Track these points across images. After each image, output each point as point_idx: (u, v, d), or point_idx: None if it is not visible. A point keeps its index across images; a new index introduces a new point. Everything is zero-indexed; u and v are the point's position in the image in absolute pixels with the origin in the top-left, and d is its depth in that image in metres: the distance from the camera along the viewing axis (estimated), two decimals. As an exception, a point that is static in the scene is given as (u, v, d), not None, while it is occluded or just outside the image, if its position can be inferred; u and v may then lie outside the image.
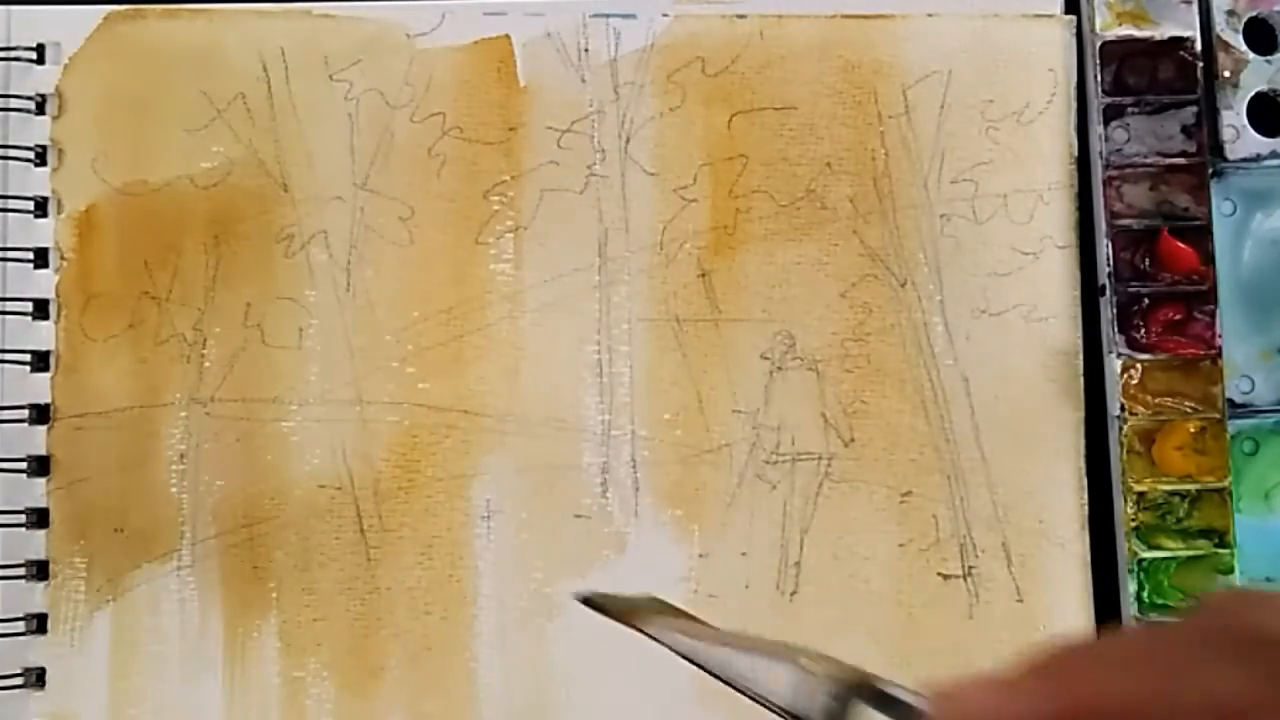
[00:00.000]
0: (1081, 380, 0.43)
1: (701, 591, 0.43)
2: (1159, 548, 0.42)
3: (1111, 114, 0.44)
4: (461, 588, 0.42)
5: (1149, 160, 0.43)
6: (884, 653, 0.42)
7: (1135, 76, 0.44)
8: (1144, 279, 0.43)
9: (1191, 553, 0.42)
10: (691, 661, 0.29)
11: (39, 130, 0.43)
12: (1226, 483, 0.42)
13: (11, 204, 0.43)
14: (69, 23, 0.44)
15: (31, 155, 0.43)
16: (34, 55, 0.43)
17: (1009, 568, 0.43)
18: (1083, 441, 0.43)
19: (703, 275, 0.43)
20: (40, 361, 0.43)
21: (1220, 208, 0.44)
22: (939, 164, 0.44)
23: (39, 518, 0.42)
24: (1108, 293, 0.43)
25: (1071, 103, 0.44)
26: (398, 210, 0.43)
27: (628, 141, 0.44)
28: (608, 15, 0.44)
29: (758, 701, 0.25)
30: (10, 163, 0.43)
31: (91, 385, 0.43)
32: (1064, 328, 0.43)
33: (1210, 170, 0.44)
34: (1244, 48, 0.44)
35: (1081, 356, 0.43)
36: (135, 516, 0.42)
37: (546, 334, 0.43)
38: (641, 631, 0.31)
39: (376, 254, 0.43)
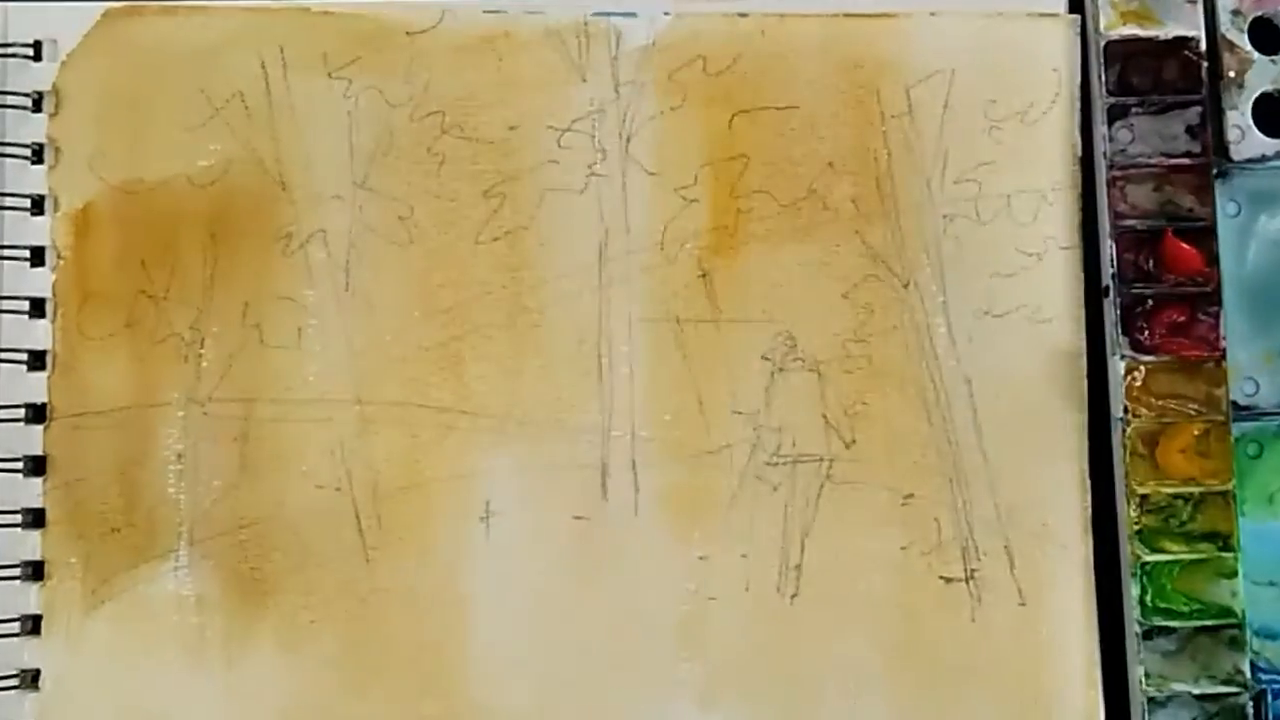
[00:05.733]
0: (1085, 382, 0.43)
1: (701, 593, 0.42)
2: (1162, 551, 0.42)
3: (1115, 114, 0.43)
4: (460, 588, 0.42)
5: (1153, 161, 0.43)
6: (885, 656, 0.42)
7: (1139, 76, 0.44)
8: (1148, 280, 0.43)
9: (1195, 556, 0.42)
10: None
11: (36, 128, 0.43)
12: (1230, 486, 0.42)
13: (8, 202, 0.43)
14: (66, 19, 0.43)
15: (28, 153, 0.43)
16: (31, 52, 0.43)
17: (1011, 571, 0.43)
18: (1086, 443, 0.43)
19: (703, 275, 0.43)
20: (37, 360, 0.42)
21: (1225, 209, 0.44)
22: (942, 164, 0.44)
23: (35, 518, 0.42)
24: (1111, 294, 0.43)
25: (1075, 102, 0.44)
26: (397, 209, 0.43)
27: (628, 141, 0.44)
28: (609, 14, 0.44)
29: None
30: (7, 160, 0.43)
31: (88, 384, 0.43)
32: (1067, 329, 0.43)
33: (1215, 171, 0.43)
34: (1249, 48, 0.44)
35: (1085, 358, 0.43)
36: (132, 516, 0.42)
37: (546, 334, 0.43)
38: None
39: (376, 253, 0.43)
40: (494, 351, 0.43)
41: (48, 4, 0.44)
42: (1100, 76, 0.43)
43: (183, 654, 0.42)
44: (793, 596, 0.43)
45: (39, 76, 0.43)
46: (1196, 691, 0.41)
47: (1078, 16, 0.44)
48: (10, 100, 0.43)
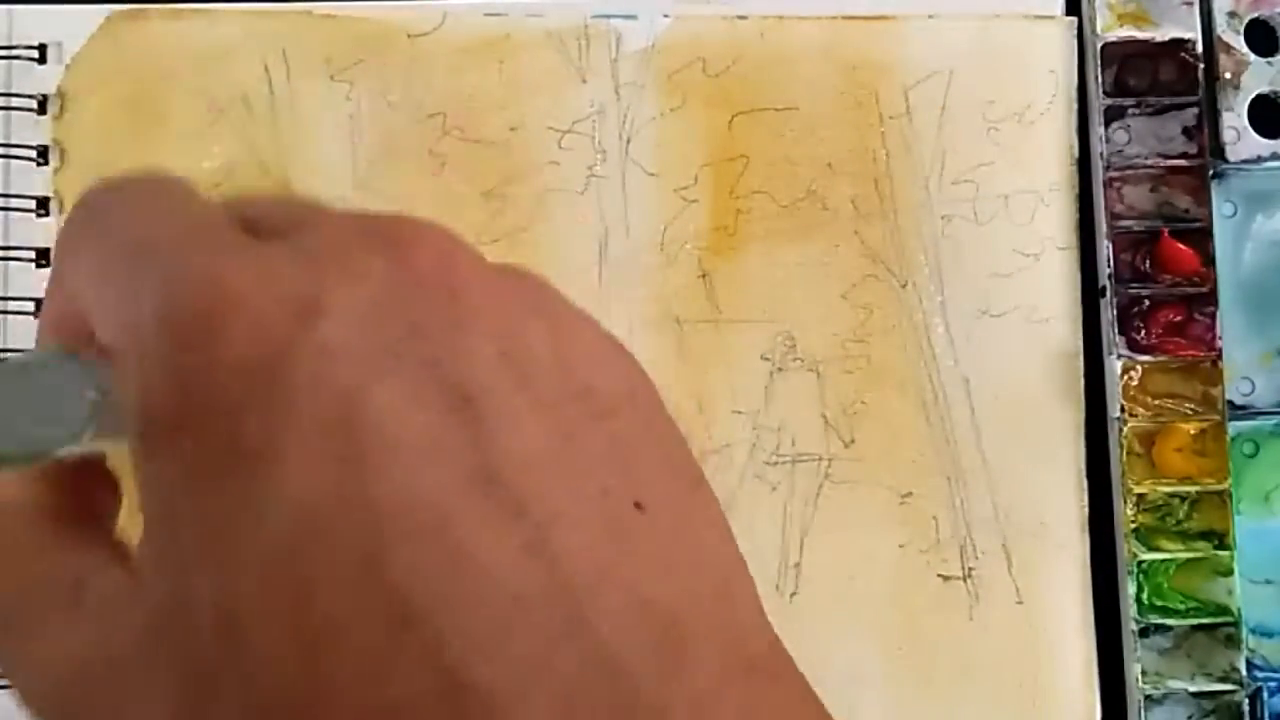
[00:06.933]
0: (1082, 382, 0.43)
1: (701, 592, 0.42)
2: (1159, 549, 0.42)
3: (1112, 115, 0.44)
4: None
5: (1149, 162, 0.43)
6: (884, 654, 0.42)
7: (1136, 78, 0.44)
8: (1144, 281, 0.43)
9: (1191, 555, 0.42)
10: None
11: (41, 130, 0.43)
12: (1226, 485, 0.42)
13: (13, 203, 0.43)
14: (71, 23, 0.44)
15: (33, 155, 0.43)
16: (36, 55, 0.44)
17: (1009, 569, 0.43)
18: (1083, 443, 0.43)
19: (703, 276, 0.43)
20: (42, 361, 0.43)
21: (1221, 209, 0.44)
22: (940, 165, 0.44)
23: (40, 517, 0.42)
24: (1108, 294, 0.43)
25: (1072, 104, 0.44)
26: (399, 211, 0.43)
27: (628, 142, 0.44)
28: (609, 16, 0.44)
29: None
30: (12, 162, 0.43)
31: (93, 385, 0.43)
32: (1065, 329, 0.43)
33: (1211, 172, 0.44)
34: (1245, 49, 0.44)
35: (1082, 358, 0.43)
36: (137, 517, 0.42)
37: (547, 334, 0.43)
38: None
39: (377, 254, 0.43)
40: (495, 351, 0.43)
41: (52, 7, 0.44)
42: (1097, 78, 0.44)
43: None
44: (792, 595, 0.43)
45: (44, 79, 0.44)
46: (1193, 689, 0.42)
47: (1074, 18, 0.44)
48: (15, 103, 0.43)
